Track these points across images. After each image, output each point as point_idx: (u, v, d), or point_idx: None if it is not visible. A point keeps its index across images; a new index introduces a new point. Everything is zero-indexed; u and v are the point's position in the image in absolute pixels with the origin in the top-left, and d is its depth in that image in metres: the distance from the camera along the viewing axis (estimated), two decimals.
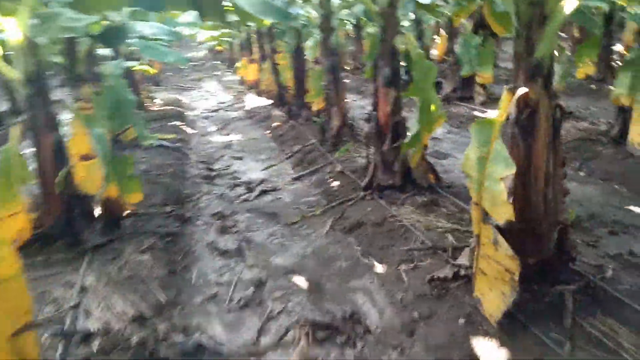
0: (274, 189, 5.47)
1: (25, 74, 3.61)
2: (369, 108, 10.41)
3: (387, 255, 3.50)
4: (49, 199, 3.84)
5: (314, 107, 7.00)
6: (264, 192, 5.39)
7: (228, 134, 8.48)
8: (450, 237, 3.48)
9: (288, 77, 8.14)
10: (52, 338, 2.73)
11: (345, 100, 6.37)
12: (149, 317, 2.96)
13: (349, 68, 14.25)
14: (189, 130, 8.80)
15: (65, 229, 3.83)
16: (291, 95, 8.01)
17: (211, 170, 6.38)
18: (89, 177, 5.04)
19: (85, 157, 4.97)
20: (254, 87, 11.49)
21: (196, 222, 4.65)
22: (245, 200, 5.21)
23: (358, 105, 9.73)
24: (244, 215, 4.79)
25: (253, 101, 10.76)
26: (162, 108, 10.57)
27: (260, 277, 3.57)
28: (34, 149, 3.79)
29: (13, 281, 2.12)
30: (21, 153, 4.02)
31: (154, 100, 11.62)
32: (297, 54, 7.61)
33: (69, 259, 3.65)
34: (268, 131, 8.09)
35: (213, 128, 9.08)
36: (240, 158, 6.90)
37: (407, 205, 4.10)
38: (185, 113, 10.57)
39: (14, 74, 3.61)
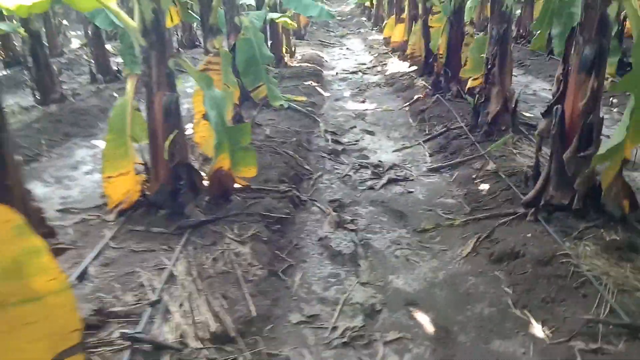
0: (406, 179, 4.61)
1: (141, 23, 3.18)
2: (536, 88, 8.89)
3: (554, 316, 2.50)
4: (157, 164, 3.48)
5: (469, 83, 5.84)
6: (392, 181, 4.56)
7: (363, 102, 7.70)
8: None
9: (440, 43, 6.99)
10: (121, 340, 2.32)
11: (510, 79, 5.13)
12: (232, 338, 2.41)
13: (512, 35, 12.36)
14: (323, 92, 8.20)
15: (170, 198, 3.46)
16: (441, 64, 6.89)
17: (338, 143, 5.70)
18: (210, 138, 4.68)
19: (206, 116, 4.60)
20: (399, 49, 10.43)
21: (311, 208, 4.03)
22: (371, 188, 4.44)
23: (520, 83, 8.21)
24: (366, 209, 4.05)
25: (396, 66, 9.76)
26: (301, 64, 10.12)
27: (374, 302, 2.83)
28: (147, 107, 3.41)
29: (57, 296, 1.64)
30: (138, 109, 3.72)
31: (295, 55, 11.24)
32: (456, 16, 6.41)
33: (167, 235, 3.27)
34: (408, 103, 7.13)
35: (348, 93, 8.36)
36: (372, 132, 6.10)
37: (587, 241, 2.97)
38: (323, 72, 9.99)
39: (130, 22, 3.20)
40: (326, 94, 8.14)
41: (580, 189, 3.20)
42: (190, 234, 3.25)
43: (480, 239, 3.31)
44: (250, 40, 6.31)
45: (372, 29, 17.06)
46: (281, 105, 6.59)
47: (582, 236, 3.03)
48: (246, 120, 5.73)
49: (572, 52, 3.28)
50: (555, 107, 3.27)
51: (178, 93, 3.46)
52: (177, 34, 13.30)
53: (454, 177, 4.48)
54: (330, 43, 14.80)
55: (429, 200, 4.15)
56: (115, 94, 7.78)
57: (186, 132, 5.11)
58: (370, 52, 12.61)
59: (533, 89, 7.96)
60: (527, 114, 6.20)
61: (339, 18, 22.87)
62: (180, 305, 2.56)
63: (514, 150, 4.58)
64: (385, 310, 2.77)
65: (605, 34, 3.05)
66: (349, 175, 4.77)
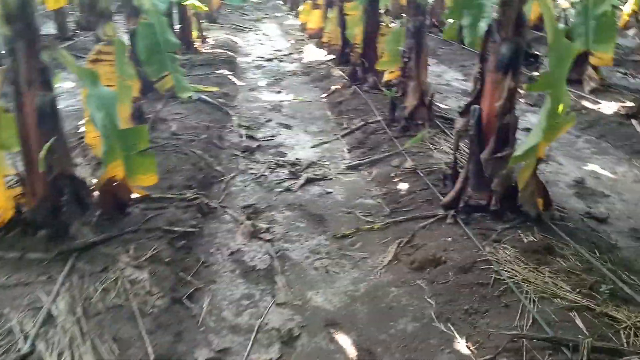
0: (324, 178, 4.38)
1: (3, 6, 2.62)
2: (449, 79, 9.05)
3: (478, 331, 2.40)
4: (32, 176, 2.94)
5: (385, 76, 5.72)
6: (311, 181, 4.31)
7: (279, 92, 7.37)
8: (579, 322, 2.31)
9: (357, 32, 6.82)
10: None
11: (426, 72, 5.06)
12: None
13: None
14: (237, 81, 7.74)
15: (50, 216, 2.94)
16: (358, 54, 6.73)
17: (253, 139, 5.34)
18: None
19: None
20: (316, 36, 10.18)
21: (222, 217, 3.68)
22: (288, 190, 4.16)
23: (434, 73, 8.29)
24: (283, 214, 3.77)
25: (313, 53, 9.50)
26: (213, 51, 9.53)
27: (292, 325, 2.57)
28: (15, 110, 2.85)
29: None
30: (7, 110, 3.13)
31: (207, 41, 10.59)
32: (372, 5, 6.25)
33: (47, 262, 2.77)
34: (325, 94, 6.91)
35: (264, 82, 7.97)
36: (288, 126, 5.81)
37: (506, 244, 2.92)
38: (237, 59, 9.49)
39: None
40: (240, 84, 7.70)
41: (497, 190, 3.15)
42: (75, 260, 2.78)
43: (401, 245, 3.17)
44: (152, 25, 5.70)
45: (288, 14, 16.65)
46: (190, 97, 6.06)
47: (501, 239, 2.98)
48: (149, 115, 5.20)
49: (489, 50, 3.18)
50: (472, 107, 3.17)
51: (55, 92, 2.92)
52: (74, 14, 12.06)
53: (372, 175, 4.32)
54: (245, 27, 14.20)
55: (348, 201, 3.96)
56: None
57: (76, 133, 4.57)
58: (286, 38, 12.24)
59: (446, 79, 8.08)
60: (442, 105, 6.24)
61: (255, 0, 22.16)
62: (60, 355, 2.14)
63: (431, 146, 4.51)
64: (304, 335, 2.52)
65: (521, 33, 2.98)
66: (264, 175, 4.45)
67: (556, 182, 4.19)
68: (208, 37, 10.83)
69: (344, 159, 4.82)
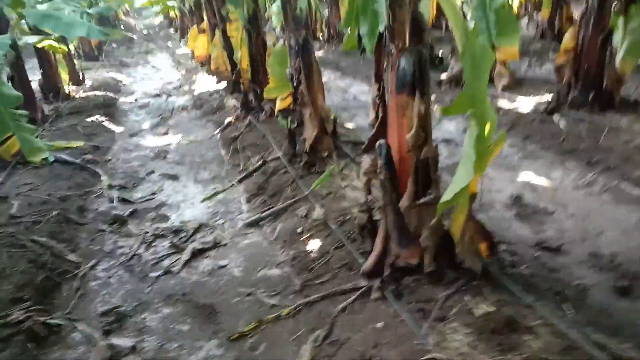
0: (216, 245, 3.44)
1: None
2: (355, 92, 8.35)
3: None
4: None
5: (278, 104, 4.89)
6: (199, 253, 3.35)
7: (166, 133, 6.32)
8: None
9: (244, 55, 5.97)
10: None
11: (323, 95, 4.27)
12: None
13: (322, 38, 12.04)
14: (114, 128, 6.59)
15: None
16: (248, 80, 5.88)
17: (127, 202, 4.27)
18: None
19: None
20: (206, 64, 9.23)
21: (69, 337, 2.60)
22: (167, 272, 3.17)
23: (339, 88, 7.65)
24: (158, 314, 2.77)
25: (204, 83, 8.53)
26: (89, 94, 8.26)
27: None
28: None
29: None
30: None
31: (83, 82, 9.26)
32: (253, 24, 5.41)
33: None
34: (218, 130, 5.97)
35: (148, 123, 6.87)
36: (174, 177, 4.80)
37: (454, 322, 2.14)
38: (118, 100, 8.30)
39: None
40: (118, 130, 6.55)
41: (428, 245, 2.38)
42: None
43: (318, 343, 2.29)
44: None
45: (179, 42, 15.53)
46: (44, 159, 4.88)
47: (445, 314, 2.19)
48: None
49: (385, 65, 2.44)
50: (378, 143, 2.39)
51: None
52: None
53: (276, 231, 3.44)
54: (131, 62, 12.91)
55: (247, 275, 3.04)
56: None
57: None
58: (177, 69, 11.17)
59: (353, 93, 7.45)
60: (350, 126, 5.53)
61: (146, 32, 20.80)
62: None
63: (342, 184, 3.71)
64: None
65: (422, 39, 2.24)
66: (137, 254, 3.42)
67: (491, 203, 3.55)
68: (85, 79, 9.50)
69: (242, 213, 3.90)
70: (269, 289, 2.85)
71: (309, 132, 4.08)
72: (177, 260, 3.29)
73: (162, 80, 10.19)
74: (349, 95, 7.40)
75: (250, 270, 3.08)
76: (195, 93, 8.16)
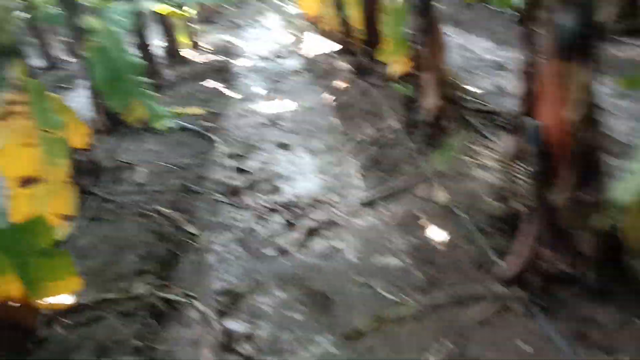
0: (331, 224, 3.26)
1: None
2: (476, 49, 7.51)
3: None
4: None
5: (393, 68, 4.48)
6: (313, 232, 3.21)
7: (278, 99, 6.24)
8: None
9: (355, 14, 5.60)
10: None
11: (445, 58, 3.79)
12: None
13: None
14: (228, 93, 6.66)
15: None
16: (360, 41, 5.52)
17: (242, 172, 4.26)
18: (34, 211, 3.16)
19: (28, 181, 3.08)
20: (316, 24, 8.97)
21: (187, 314, 2.62)
22: (282, 252, 3.06)
23: (457, 45, 6.94)
24: (274, 298, 2.68)
25: (314, 44, 8.30)
26: (205, 58, 8.49)
27: None
28: None
29: None
30: None
31: (199, 46, 9.55)
32: None
33: None
34: (330, 96, 5.74)
35: (260, 89, 6.85)
36: (286, 147, 4.69)
37: (625, 355, 1.72)
38: (231, 64, 8.41)
39: None
40: (232, 95, 6.61)
41: (591, 251, 1.94)
42: None
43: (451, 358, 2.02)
44: (105, 49, 4.69)
45: (290, 1, 15.38)
46: (167, 126, 5.04)
47: (613, 344, 1.78)
48: (106, 163, 4.19)
49: (538, 22, 1.96)
50: (528, 122, 1.96)
51: None
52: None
53: (393, 215, 3.15)
54: (243, 23, 13.09)
55: (363, 263, 2.83)
56: None
57: None
58: (288, 30, 11.05)
59: (474, 51, 6.72)
60: (472, 88, 4.96)
61: None
62: None
63: (468, 160, 3.29)
64: None
65: None
66: (252, 230, 3.37)
67: None
68: (201, 42, 9.79)
69: (356, 187, 3.67)
70: (387, 281, 2.61)
71: (430, 100, 3.67)
72: (291, 238, 3.18)
73: (273, 41, 10.15)
74: (469, 52, 6.70)
75: (367, 257, 2.86)
76: (307, 55, 7.98)
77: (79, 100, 7.14)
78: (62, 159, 3.24)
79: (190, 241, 3.26)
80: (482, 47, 6.89)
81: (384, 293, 2.53)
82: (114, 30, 4.86)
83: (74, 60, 9.69)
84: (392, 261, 2.75)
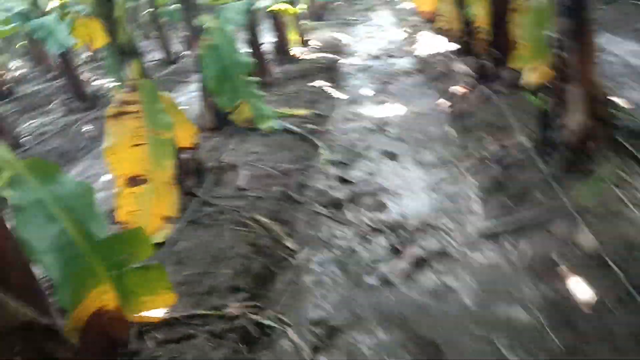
0: (443, 255, 2.86)
1: None
2: (619, 52, 6.38)
3: None
4: None
5: (528, 76, 3.90)
6: (422, 263, 2.83)
7: (386, 102, 5.87)
8: None
9: (480, 12, 5.04)
10: None
11: (594, 68, 3.16)
12: None
13: None
14: (335, 94, 6.43)
15: None
16: (484, 42, 4.96)
17: (345, 182, 3.98)
18: (141, 212, 3.17)
19: (134, 181, 3.08)
20: (431, 21, 8.41)
21: (279, 343, 2.39)
22: (385, 282, 2.73)
23: (598, 48, 6.03)
24: (373, 339, 2.35)
25: (429, 43, 7.78)
26: (313, 56, 8.37)
27: None
28: None
29: None
30: None
31: (308, 43, 9.48)
32: None
33: None
34: (445, 102, 5.25)
35: (368, 90, 6.53)
36: (394, 156, 4.33)
37: None
38: (339, 62, 8.18)
39: None
40: (339, 96, 6.37)
41: None
42: None
43: None
44: (217, 47, 4.67)
45: None
46: (272, 127, 4.94)
47: None
48: (211, 163, 4.14)
49: None
50: None
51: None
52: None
53: (521, 254, 2.66)
54: (354, 20, 12.84)
55: (482, 310, 2.40)
56: (85, 128, 6.44)
57: None
58: (400, 27, 10.58)
59: (618, 55, 5.78)
60: (622, 103, 4.18)
61: None
62: None
63: (622, 194, 2.68)
64: None
65: None
66: (353, 250, 3.08)
67: None
68: (310, 39, 9.71)
69: (473, 214, 3.21)
70: (512, 340, 2.16)
71: (576, 117, 3.07)
72: (396, 267, 2.84)
73: (384, 39, 9.77)
74: (611, 56, 5.77)
75: (487, 304, 2.43)
76: (419, 54, 7.50)
77: (191, 94, 7.38)
78: (168, 160, 3.20)
79: (288, 257, 3.05)
80: (628, 50, 5.92)
81: (509, 355, 2.09)
82: (227, 28, 4.83)
83: (190, 54, 10.17)
84: (520, 315, 2.29)
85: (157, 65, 10.23)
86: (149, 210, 3.16)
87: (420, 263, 2.82)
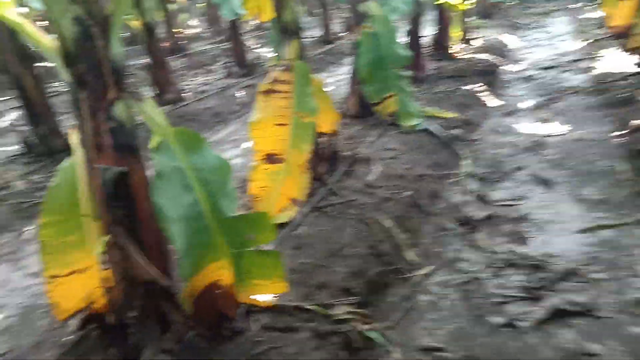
0: (588, 313, 2.41)
1: (62, 41, 1.78)
2: None
3: None
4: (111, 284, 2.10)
5: None
6: (561, 317, 2.42)
7: (547, 120, 5.24)
8: None
9: None
10: None
11: None
12: None
13: None
14: (489, 101, 5.93)
15: (121, 334, 2.08)
16: None
17: (484, 202, 3.62)
18: (271, 190, 3.23)
19: (271, 158, 3.14)
20: (622, 36, 7.29)
21: None
22: (510, 325, 2.39)
23: None
24: None
25: (612, 62, 6.78)
26: (472, 56, 7.84)
27: None
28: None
29: None
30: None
31: (471, 42, 8.92)
32: None
33: None
34: (622, 133, 4.50)
35: (528, 103, 5.89)
36: (547, 184, 3.82)
37: None
38: (499, 68, 7.55)
39: (46, 41, 1.85)
40: (493, 104, 5.86)
41: None
42: None
43: None
44: (376, 35, 4.54)
45: (587, 4, 13.21)
46: (414, 126, 4.71)
47: None
48: (347, 153, 4.06)
49: None
50: None
51: (138, 161, 1.99)
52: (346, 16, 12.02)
53: None
54: (525, 24, 11.79)
55: None
56: (238, 94, 6.83)
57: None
58: (579, 38, 9.42)
59: None
60: None
61: None
62: None
63: None
64: None
65: None
66: (479, 281, 2.77)
67: None
68: (473, 38, 9.13)
69: (637, 275, 2.67)
70: None
71: None
72: (527, 312, 2.47)
73: (557, 49, 8.77)
74: None
75: None
76: (597, 74, 6.56)
77: (340, 77, 7.41)
78: (306, 144, 3.17)
79: (407, 270, 2.85)
80: None
81: None
82: (390, 18, 4.66)
83: (348, 37, 10.21)
84: None
85: (314, 43, 10.51)
86: (279, 189, 3.19)
87: (558, 315, 2.42)
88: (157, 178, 1.83)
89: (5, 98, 6.66)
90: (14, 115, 6.59)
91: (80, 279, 2.24)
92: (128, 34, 11.13)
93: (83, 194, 2.13)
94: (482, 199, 3.64)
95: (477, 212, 3.45)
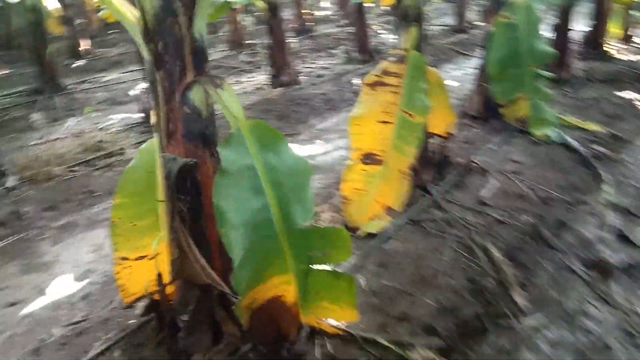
0: None
1: (142, 14, 1.61)
2: None
3: None
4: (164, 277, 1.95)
5: None
6: None
7: None
8: None
9: None
10: None
11: None
12: None
13: None
14: None
15: (171, 337, 1.93)
16: None
17: (626, 241, 2.91)
18: (365, 193, 2.94)
19: (370, 158, 2.84)
20: None
21: None
22: None
23: None
24: None
25: None
26: (632, 58, 6.64)
27: None
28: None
29: None
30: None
31: (632, 40, 7.60)
32: None
33: None
34: None
35: None
36: None
37: None
38: None
39: (128, 14, 1.68)
40: None
41: None
42: None
43: None
44: (515, 26, 3.90)
45: None
46: (547, 135, 4.02)
47: None
48: (459, 159, 3.56)
49: None
50: None
51: (211, 151, 1.78)
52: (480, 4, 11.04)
53: None
54: None
55: None
56: (354, 81, 6.53)
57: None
58: None
59: None
60: None
61: None
62: None
63: None
64: None
65: None
66: (606, 345, 2.18)
67: None
68: (635, 36, 7.77)
69: None
70: None
71: None
72: None
73: None
74: None
75: None
76: None
77: (467, 71, 6.73)
78: (411, 147, 2.78)
79: (511, 316, 2.35)
80: None
81: None
82: (534, 7, 3.98)
83: (483, 27, 9.33)
84: None
85: (444, 31, 9.80)
86: (374, 194, 2.86)
87: None
88: (220, 176, 1.60)
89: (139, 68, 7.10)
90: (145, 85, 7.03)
91: (148, 265, 2.14)
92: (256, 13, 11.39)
93: (160, 179, 2.00)
94: (624, 239, 2.94)
95: (616, 256, 2.77)
